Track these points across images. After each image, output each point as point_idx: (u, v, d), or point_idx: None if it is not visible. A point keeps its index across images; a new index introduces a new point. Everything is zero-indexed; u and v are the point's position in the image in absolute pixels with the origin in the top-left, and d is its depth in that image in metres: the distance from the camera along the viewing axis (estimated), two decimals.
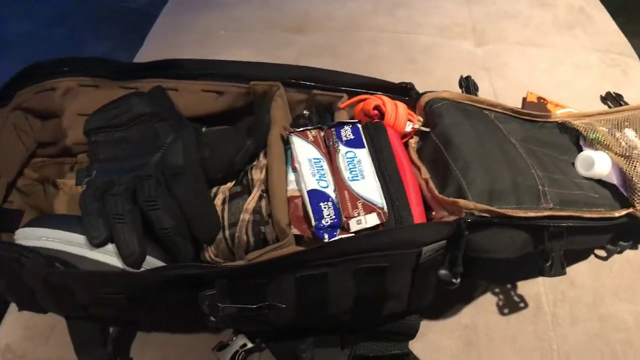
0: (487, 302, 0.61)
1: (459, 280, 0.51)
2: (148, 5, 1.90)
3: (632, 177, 0.60)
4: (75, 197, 0.64)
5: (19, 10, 1.94)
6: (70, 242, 0.49)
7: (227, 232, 0.52)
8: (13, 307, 0.61)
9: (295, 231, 0.50)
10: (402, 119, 0.60)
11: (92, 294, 0.46)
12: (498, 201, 0.52)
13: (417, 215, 0.52)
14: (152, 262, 0.50)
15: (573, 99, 0.85)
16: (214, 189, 0.55)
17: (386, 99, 0.61)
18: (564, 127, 0.69)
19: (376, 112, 0.61)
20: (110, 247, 0.49)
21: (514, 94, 0.87)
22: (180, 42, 1.02)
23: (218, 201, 0.53)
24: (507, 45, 0.99)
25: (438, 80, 0.89)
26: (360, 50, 0.96)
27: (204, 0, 1.14)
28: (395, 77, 0.69)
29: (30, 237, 0.50)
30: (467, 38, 1.01)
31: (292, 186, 0.54)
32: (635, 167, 0.61)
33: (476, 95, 0.70)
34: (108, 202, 0.50)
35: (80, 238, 0.49)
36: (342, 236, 0.49)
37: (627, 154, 0.62)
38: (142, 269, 0.49)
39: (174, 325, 0.57)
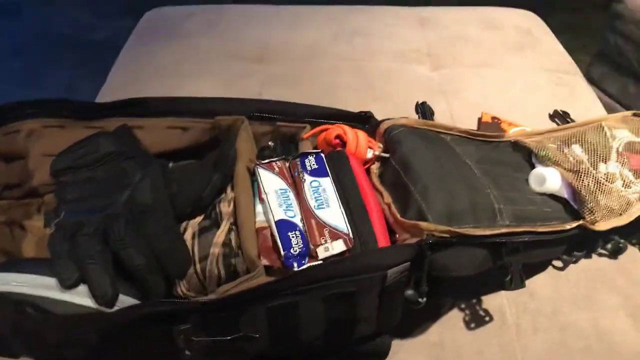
0: (454, 319, 0.63)
1: (424, 299, 0.53)
2: (110, 37, 1.90)
3: (581, 191, 0.64)
4: (43, 239, 0.63)
5: None
6: (41, 286, 0.49)
7: (198, 267, 0.53)
8: None
9: (265, 262, 0.51)
10: (363, 147, 0.63)
11: (64, 336, 0.47)
12: (457, 221, 0.55)
13: (381, 239, 0.54)
14: (124, 300, 0.50)
15: (525, 117, 0.90)
16: (184, 224, 0.56)
17: (347, 128, 0.64)
18: (517, 146, 0.73)
19: (338, 141, 0.63)
20: (82, 288, 0.50)
21: (470, 115, 0.91)
22: (144, 74, 1.03)
23: (188, 236, 0.54)
24: (461, 68, 1.04)
25: (397, 105, 0.93)
26: (321, 79, 0.99)
27: (166, 32, 1.15)
28: (355, 103, 0.72)
29: None
30: (423, 62, 1.05)
31: (260, 217, 0.55)
32: (582, 181, 0.65)
33: (432, 119, 0.74)
34: (78, 244, 0.51)
35: (51, 281, 0.49)
36: (311, 264, 0.51)
37: (575, 169, 0.66)
38: (115, 308, 0.50)
39: None
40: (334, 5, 1.23)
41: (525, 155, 0.72)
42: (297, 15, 1.19)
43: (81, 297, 0.49)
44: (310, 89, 0.96)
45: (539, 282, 0.67)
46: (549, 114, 0.90)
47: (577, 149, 0.72)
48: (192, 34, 1.13)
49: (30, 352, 0.52)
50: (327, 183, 0.57)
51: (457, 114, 0.92)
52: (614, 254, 0.69)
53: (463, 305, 0.64)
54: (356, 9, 1.22)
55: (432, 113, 0.74)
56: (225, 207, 0.56)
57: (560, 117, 0.87)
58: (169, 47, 1.10)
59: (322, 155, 0.59)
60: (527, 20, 1.19)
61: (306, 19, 1.18)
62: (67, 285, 0.49)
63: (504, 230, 0.56)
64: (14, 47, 1.90)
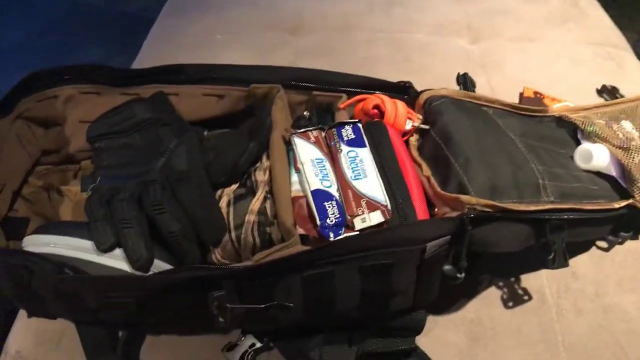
0: (491, 297, 0.62)
1: (463, 275, 0.51)
2: (143, 10, 1.90)
3: (631, 169, 0.61)
4: (80, 203, 0.64)
5: (11, 20, 1.94)
6: (78, 248, 0.49)
7: (233, 234, 0.52)
8: (23, 313, 0.61)
9: (300, 231, 0.50)
10: (402, 118, 0.61)
11: (102, 298, 0.47)
12: (500, 196, 0.53)
13: (421, 212, 0.52)
14: (159, 265, 0.50)
15: (569, 93, 0.86)
16: (219, 192, 0.56)
17: (385, 98, 0.62)
18: (562, 121, 0.70)
19: (376, 111, 0.61)
20: (118, 252, 0.50)
21: (511, 90, 0.88)
22: (177, 46, 1.03)
23: (223, 204, 0.54)
24: (502, 41, 1.00)
25: (435, 78, 0.90)
26: (356, 50, 0.97)
27: (198, 4, 1.14)
28: (392, 77, 0.69)
29: (38, 244, 0.50)
30: (462, 35, 1.02)
31: (295, 187, 0.54)
32: (633, 158, 0.62)
33: (474, 91, 0.71)
34: (114, 208, 0.51)
35: (88, 244, 0.50)
36: (347, 234, 0.49)
37: (625, 146, 0.63)
38: (150, 273, 0.50)
39: (183, 327, 0.57)
40: None
41: (571, 131, 0.69)
42: None
43: (117, 260, 0.50)
44: (346, 60, 0.94)
45: (582, 263, 0.65)
46: (597, 89, 0.86)
47: (627, 125, 0.68)
48: (224, 5, 1.12)
49: (70, 314, 0.53)
50: (364, 153, 0.55)
51: (498, 88, 0.89)
52: None
53: (501, 283, 0.62)
54: None
55: (473, 85, 0.71)
56: (261, 176, 0.55)
57: (609, 92, 0.83)
58: (201, 19, 1.09)
59: (360, 125, 0.58)
60: None
61: None
62: (104, 248, 0.49)
63: (548, 206, 0.54)
64: (48, 21, 1.91)
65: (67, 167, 0.69)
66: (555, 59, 0.96)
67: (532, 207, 0.53)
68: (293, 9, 1.08)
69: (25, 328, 0.60)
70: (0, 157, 0.59)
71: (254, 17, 1.06)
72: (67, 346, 0.58)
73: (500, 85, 0.90)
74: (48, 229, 0.52)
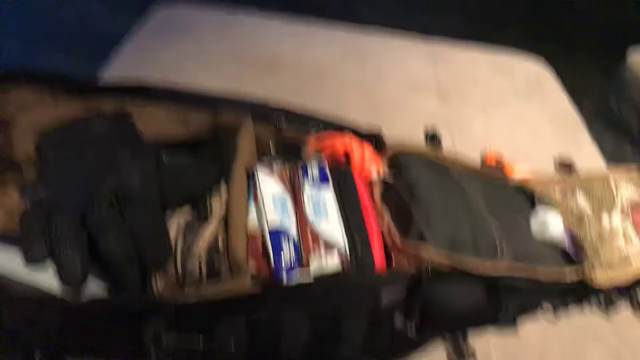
0: (438, 350, 0.60)
1: (413, 329, 0.50)
2: (115, 29, 1.87)
3: (582, 241, 0.62)
4: (13, 213, 0.59)
5: None
6: (6, 263, 0.45)
7: (179, 263, 0.49)
8: None
9: (252, 268, 0.48)
10: (369, 165, 0.60)
11: (24, 320, 0.42)
12: (458, 250, 0.53)
13: (379, 261, 0.51)
14: (93, 289, 0.46)
15: (528, 162, 0.88)
16: (169, 216, 0.52)
17: (354, 140, 0.61)
18: (522, 189, 0.71)
19: (343, 154, 0.60)
20: (49, 269, 0.45)
21: (473, 152, 0.89)
22: (147, 69, 1.00)
23: (172, 231, 0.50)
24: (468, 106, 1.03)
25: (400, 133, 0.90)
26: (327, 96, 0.98)
27: (174, 29, 1.13)
28: (361, 125, 0.69)
29: None
30: (431, 96, 1.04)
31: (252, 221, 0.52)
32: (585, 231, 0.64)
33: (440, 149, 0.71)
34: (53, 222, 0.47)
35: (17, 258, 0.45)
36: (301, 278, 0.47)
37: (578, 219, 0.65)
38: (81, 297, 0.46)
39: (110, 357, 0.52)
40: (348, 28, 1.23)
41: (529, 200, 0.70)
42: (306, 32, 1.18)
43: (47, 279, 0.45)
44: (316, 104, 0.92)
45: (528, 330, 0.64)
46: (554, 162, 0.89)
47: (581, 199, 0.70)
48: (202, 36, 1.12)
49: None
50: (328, 195, 0.54)
51: (460, 149, 0.90)
52: (608, 310, 0.67)
53: (448, 338, 0.61)
54: (369, 33, 1.22)
55: (440, 142, 0.72)
56: (217, 205, 0.53)
57: (566, 166, 0.85)
58: (176, 45, 1.08)
59: (326, 165, 0.57)
60: (539, 71, 1.20)
61: (317, 36, 1.17)
62: (34, 265, 0.45)
63: (504, 264, 0.54)
64: (14, 30, 1.86)
65: (6, 173, 0.64)
66: (516, 129, 1.00)
67: (487, 267, 0.53)
68: (269, 48, 1.09)
69: None
70: None
71: (229, 50, 1.06)
72: None
73: (462, 147, 0.91)
74: None
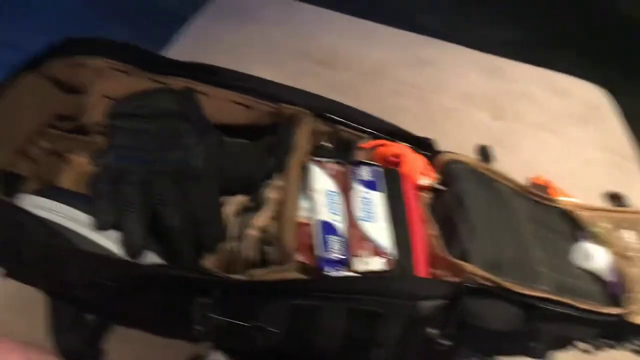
0: None
1: (448, 342, 0.51)
2: (177, 7, 1.91)
3: (627, 278, 0.62)
4: (83, 175, 0.63)
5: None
6: (75, 220, 0.48)
7: (231, 245, 0.51)
8: None
9: (300, 258, 0.50)
10: (419, 172, 0.61)
11: (87, 275, 0.45)
12: (499, 272, 0.53)
13: (421, 268, 0.52)
14: (152, 258, 0.49)
15: (576, 190, 0.87)
16: (227, 199, 0.55)
17: (407, 149, 0.62)
18: (567, 215, 0.71)
19: (395, 159, 0.62)
20: (113, 233, 0.48)
21: (521, 174, 0.89)
22: (210, 50, 1.04)
23: (230, 212, 0.53)
24: (522, 125, 1.02)
25: (452, 144, 0.91)
26: (382, 97, 0.99)
27: (239, 13, 1.16)
28: (412, 130, 0.70)
29: (34, 205, 0.49)
30: (485, 109, 1.04)
31: (304, 213, 0.54)
32: (631, 268, 0.63)
33: (492, 165, 0.72)
34: (121, 189, 0.50)
35: (85, 218, 0.48)
36: (346, 273, 0.49)
37: (625, 254, 0.64)
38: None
39: (156, 327, 0.55)
40: (407, 31, 1.23)
41: (575, 227, 0.69)
42: (369, 30, 1.19)
43: (111, 242, 0.48)
44: (371, 104, 0.93)
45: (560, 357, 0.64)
46: (606, 193, 0.87)
47: (630, 234, 0.69)
48: (265, 22, 1.14)
49: (47, 283, 0.51)
50: (377, 197, 0.55)
51: (509, 169, 0.90)
52: None
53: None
54: (425, 39, 1.22)
55: (492, 159, 0.72)
56: (272, 194, 0.55)
57: (617, 198, 0.84)
58: (239, 29, 1.11)
59: (380, 169, 0.58)
60: (597, 96, 1.17)
61: (377, 36, 1.18)
62: (101, 226, 0.48)
63: (543, 295, 0.54)
64: (77, 6, 1.92)
65: (77, 137, 0.68)
66: (567, 154, 0.99)
67: (527, 292, 0.53)
68: (330, 43, 1.10)
69: None
70: (16, 110, 0.59)
71: (291, 41, 1.08)
72: (34, 317, 0.55)
73: (511, 167, 0.91)
74: (48, 193, 0.51)
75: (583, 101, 1.14)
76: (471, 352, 0.59)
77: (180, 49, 1.03)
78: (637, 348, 0.64)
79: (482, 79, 1.12)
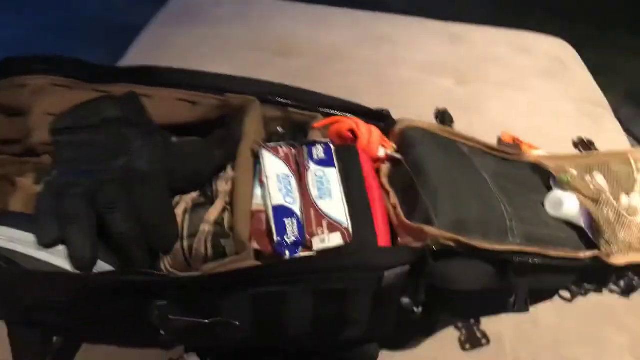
0: (448, 338, 0.60)
1: (420, 309, 0.49)
2: (134, 20, 1.89)
3: (599, 220, 0.61)
4: (32, 197, 0.61)
5: (10, 17, 1.93)
6: (20, 241, 0.46)
7: (185, 243, 0.50)
8: None
9: (255, 246, 0.48)
10: (375, 144, 0.60)
11: (37, 296, 0.44)
12: (465, 232, 0.52)
13: (383, 239, 0.51)
14: (103, 267, 0.47)
15: (547, 143, 0.85)
16: (177, 198, 0.53)
17: (361, 122, 0.61)
18: (536, 167, 0.70)
19: (350, 134, 0.60)
20: (61, 248, 0.47)
21: (491, 134, 0.87)
22: (163, 55, 1.02)
23: (179, 210, 0.51)
24: (486, 86, 1.01)
25: (415, 115, 0.89)
26: (341, 79, 0.97)
27: (190, 16, 1.14)
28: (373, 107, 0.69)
29: None
30: (447, 76, 1.03)
31: (257, 200, 0.52)
32: (602, 210, 0.62)
33: (451, 127, 0.70)
34: (63, 202, 0.48)
35: (30, 237, 0.47)
36: (304, 254, 0.47)
37: (595, 197, 0.63)
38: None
39: (122, 339, 0.54)
40: (361, 10, 1.21)
41: (544, 178, 0.68)
42: (323, 14, 1.18)
43: (58, 258, 0.46)
44: (329, 87, 0.91)
45: (543, 311, 0.63)
46: (573, 141, 0.86)
47: (599, 177, 0.68)
48: (217, 21, 1.12)
49: (1, 311, 0.49)
50: (332, 174, 0.54)
51: (478, 131, 0.88)
52: (627, 292, 0.65)
53: (460, 325, 0.60)
54: (383, 16, 1.20)
55: (451, 121, 0.71)
56: (223, 186, 0.53)
57: (585, 145, 0.83)
58: (191, 32, 1.09)
59: (331, 145, 0.56)
60: (560, 49, 1.16)
61: (332, 19, 1.16)
62: (46, 243, 0.46)
63: (513, 247, 0.53)
64: (42, 24, 1.90)
65: (26, 160, 0.66)
66: (536, 109, 0.97)
67: (497, 246, 0.52)
68: (283, 31, 1.09)
69: None
70: None
71: (243, 35, 1.06)
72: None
73: (480, 128, 0.89)
74: None
75: (548, 56, 1.13)
76: (450, 317, 0.58)
77: (135, 58, 1.01)
78: (622, 288, 0.63)
79: (443, 48, 1.11)
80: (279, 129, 0.63)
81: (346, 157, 0.57)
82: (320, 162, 0.54)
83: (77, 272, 0.46)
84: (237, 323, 0.46)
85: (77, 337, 0.54)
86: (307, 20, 1.15)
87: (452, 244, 0.50)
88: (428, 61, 1.06)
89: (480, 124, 0.91)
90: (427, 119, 0.87)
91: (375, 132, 0.61)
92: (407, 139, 0.61)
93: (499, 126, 0.89)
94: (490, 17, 1.43)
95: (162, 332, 0.46)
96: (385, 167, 0.61)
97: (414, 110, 0.91)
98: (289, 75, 0.96)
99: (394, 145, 0.62)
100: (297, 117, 0.63)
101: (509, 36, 1.19)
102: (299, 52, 1.03)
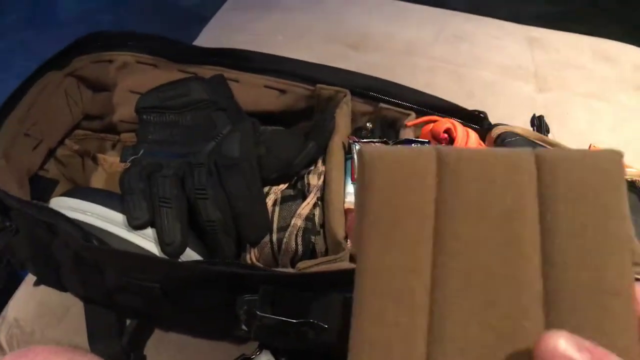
0: None
1: None
2: (198, 5, 1.89)
3: None
4: (113, 175, 0.60)
5: None
6: (107, 220, 0.45)
7: (274, 236, 0.47)
8: (28, 280, 0.57)
9: (350, 246, 0.45)
10: (473, 147, 0.56)
11: (124, 277, 0.42)
12: None
13: None
14: (190, 255, 0.46)
15: (636, 159, 0.80)
16: (266, 189, 0.51)
17: (457, 123, 0.57)
18: (633, 186, 0.65)
19: (446, 135, 0.57)
20: (150, 231, 0.45)
21: (574, 146, 0.83)
22: (235, 41, 0.99)
23: (269, 202, 0.49)
24: (569, 94, 0.96)
25: (497, 118, 0.85)
26: (417, 76, 0.93)
27: (265, 1, 1.12)
28: None
29: (65, 207, 0.46)
30: (528, 82, 0.97)
31: (349, 198, 0.49)
32: None
33: (547, 136, 0.66)
34: (155, 184, 0.47)
35: (119, 217, 0.46)
36: None
37: None
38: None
39: (198, 328, 0.52)
40: (438, 8, 1.17)
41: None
42: (399, 10, 1.14)
43: (147, 240, 0.45)
44: (406, 84, 0.90)
45: None
46: None
47: None
48: (292, 8, 1.10)
49: (83, 289, 0.48)
50: None
51: (562, 140, 0.84)
52: None
53: None
54: (461, 15, 1.16)
55: (547, 130, 0.67)
56: (314, 180, 0.51)
57: None
58: (265, 17, 1.07)
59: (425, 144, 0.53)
60: None
61: (407, 15, 1.12)
62: (136, 224, 0.45)
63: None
64: (102, 6, 1.92)
65: (106, 136, 0.65)
66: (623, 122, 0.91)
67: None
68: (359, 25, 1.05)
69: (28, 296, 0.56)
70: (45, 111, 0.56)
71: (319, 25, 1.04)
72: (70, 323, 0.53)
73: (563, 140, 0.85)
74: (79, 194, 0.48)
75: (632, 65, 1.06)
76: None
77: (207, 42, 1.00)
78: None
79: (521, 51, 1.05)
80: (368, 124, 0.60)
81: None
82: None
83: (165, 257, 0.44)
84: (325, 326, 0.43)
85: (153, 322, 0.53)
86: (382, 14, 1.11)
87: None
88: (507, 64, 1.01)
89: (563, 134, 0.85)
90: (511, 124, 0.83)
91: (473, 135, 0.57)
92: (505, 145, 0.58)
93: (584, 138, 0.84)
94: (558, 22, 1.36)
95: (244, 327, 0.44)
96: None
97: (494, 113, 0.87)
98: (364, 70, 0.92)
99: (491, 146, 0.58)
100: (388, 113, 0.60)
101: (590, 44, 1.12)
102: (374, 46, 0.99)
